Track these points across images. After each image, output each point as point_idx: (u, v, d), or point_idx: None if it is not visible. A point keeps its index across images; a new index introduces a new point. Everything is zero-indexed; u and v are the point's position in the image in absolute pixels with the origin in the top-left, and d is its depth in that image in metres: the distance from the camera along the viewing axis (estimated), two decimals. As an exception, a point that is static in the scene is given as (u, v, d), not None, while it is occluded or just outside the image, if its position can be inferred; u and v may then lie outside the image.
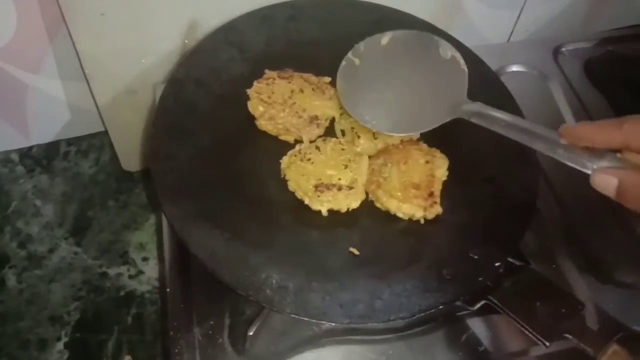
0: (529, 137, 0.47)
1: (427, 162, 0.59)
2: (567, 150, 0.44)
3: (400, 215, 0.58)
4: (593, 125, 0.42)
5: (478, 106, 0.54)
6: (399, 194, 0.57)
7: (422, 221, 0.58)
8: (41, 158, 0.86)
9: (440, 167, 0.60)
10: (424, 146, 0.62)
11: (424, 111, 0.58)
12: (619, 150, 0.42)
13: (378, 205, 0.59)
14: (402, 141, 0.62)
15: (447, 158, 0.61)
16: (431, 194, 0.58)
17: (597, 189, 0.42)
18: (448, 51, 0.60)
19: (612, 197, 0.41)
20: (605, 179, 0.41)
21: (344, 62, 0.63)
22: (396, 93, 0.61)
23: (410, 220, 0.58)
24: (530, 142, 0.47)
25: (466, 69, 0.59)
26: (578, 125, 0.43)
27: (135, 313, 0.74)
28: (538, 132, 0.47)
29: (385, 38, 0.63)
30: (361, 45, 0.64)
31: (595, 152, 0.42)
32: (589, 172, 0.42)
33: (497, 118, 0.51)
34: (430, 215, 0.58)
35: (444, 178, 0.60)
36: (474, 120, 0.53)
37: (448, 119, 0.56)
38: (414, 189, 0.58)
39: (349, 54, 0.63)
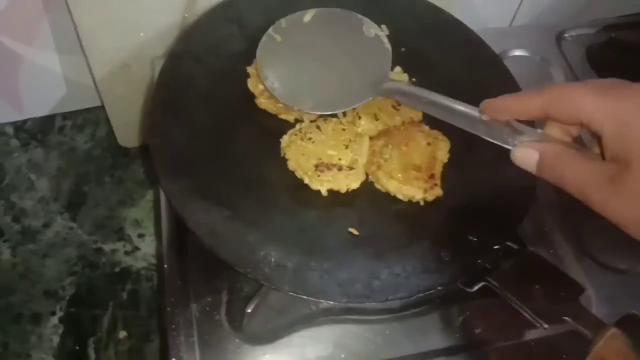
0: (450, 114, 0.47)
1: (428, 144, 0.59)
2: (488, 126, 0.44)
3: (400, 196, 0.58)
4: (512, 96, 0.42)
5: (398, 84, 0.55)
6: (399, 175, 0.57)
7: (422, 203, 0.58)
8: (36, 132, 0.85)
9: (442, 150, 0.59)
10: (426, 128, 0.61)
11: (347, 89, 0.58)
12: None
13: (378, 186, 0.59)
14: (403, 123, 0.62)
15: (448, 140, 0.60)
16: (432, 176, 0.57)
17: (518, 164, 0.41)
18: (372, 30, 0.61)
19: (533, 173, 0.41)
20: (526, 153, 0.40)
21: (264, 38, 0.62)
22: (318, 71, 0.60)
23: (409, 202, 0.58)
24: (452, 120, 0.47)
25: (390, 48, 0.59)
26: (498, 98, 0.43)
27: (130, 289, 0.74)
28: (458, 108, 0.47)
29: (308, 15, 0.63)
30: (282, 22, 0.63)
31: (516, 129, 0.42)
32: (510, 147, 0.42)
33: (418, 95, 0.51)
34: (431, 197, 0.57)
35: (445, 160, 0.59)
36: (397, 98, 0.55)
37: (370, 98, 0.57)
38: (414, 170, 0.57)
39: (270, 30, 0.63)
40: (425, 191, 0.57)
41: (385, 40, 0.60)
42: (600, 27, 0.83)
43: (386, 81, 0.56)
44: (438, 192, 0.58)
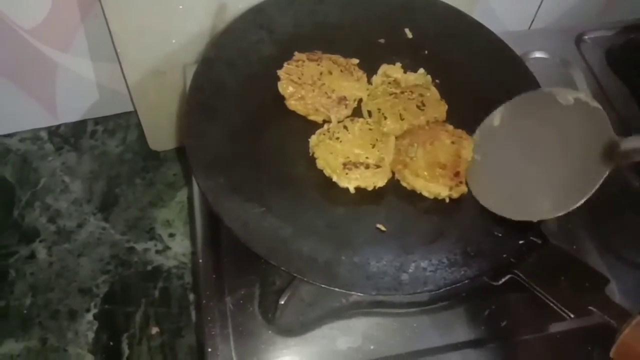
0: None
1: (453, 142, 0.61)
2: None
3: (426, 194, 0.60)
4: None
5: (635, 142, 0.48)
6: (426, 173, 0.59)
7: (448, 200, 0.59)
8: (69, 136, 0.88)
9: (466, 148, 0.61)
10: (450, 127, 0.63)
11: (574, 176, 0.53)
12: None
13: (404, 184, 0.61)
14: (428, 122, 0.64)
15: (472, 139, 0.62)
16: (457, 174, 0.59)
17: None
18: (568, 96, 0.55)
19: None
20: None
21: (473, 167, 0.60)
22: (539, 174, 0.56)
23: (435, 198, 0.60)
24: None
25: (599, 105, 0.52)
26: None
27: (162, 287, 0.77)
28: None
29: (497, 118, 0.60)
30: (476, 138, 0.61)
31: None
32: None
33: None
34: (456, 194, 0.59)
35: (469, 159, 0.61)
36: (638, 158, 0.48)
37: (607, 171, 0.50)
38: (440, 168, 0.59)
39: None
40: (451, 188, 0.59)
41: (589, 99, 0.53)
42: (619, 29, 0.84)
43: (617, 145, 0.49)
44: (463, 189, 0.59)
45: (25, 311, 0.74)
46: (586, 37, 0.84)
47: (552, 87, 0.57)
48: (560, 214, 0.53)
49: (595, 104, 0.53)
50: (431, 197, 0.60)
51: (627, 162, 0.49)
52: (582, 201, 0.52)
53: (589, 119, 0.53)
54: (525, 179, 0.57)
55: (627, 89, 0.78)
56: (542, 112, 0.57)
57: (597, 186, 0.51)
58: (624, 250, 0.64)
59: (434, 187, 0.59)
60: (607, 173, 0.50)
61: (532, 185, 0.56)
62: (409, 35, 0.71)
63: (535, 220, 0.54)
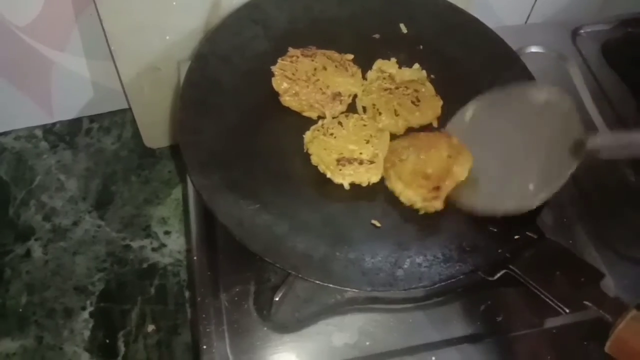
0: None
1: (449, 156, 0.58)
2: None
3: (402, 199, 0.58)
4: None
5: (601, 139, 0.50)
6: (408, 178, 0.58)
7: (421, 212, 0.57)
8: (64, 134, 0.88)
9: (461, 165, 0.58)
10: (455, 140, 0.60)
11: (544, 171, 0.54)
12: None
13: (387, 184, 0.59)
14: (432, 128, 0.63)
15: (471, 158, 0.59)
16: (437, 188, 0.57)
17: None
18: (540, 93, 0.57)
19: None
20: None
21: None
22: (506, 168, 0.57)
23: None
24: None
25: (570, 102, 0.54)
26: None
27: (158, 284, 0.77)
28: None
29: (468, 113, 0.60)
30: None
31: None
32: None
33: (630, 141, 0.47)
34: (429, 208, 0.57)
35: (462, 178, 0.58)
36: (605, 155, 0.50)
37: (574, 166, 0.52)
38: (423, 178, 0.57)
39: None
40: (425, 200, 0.57)
41: (560, 95, 0.55)
42: (616, 23, 0.84)
43: (583, 143, 0.51)
44: (437, 205, 0.57)
45: (21, 310, 0.74)
46: (582, 31, 0.84)
47: (524, 84, 0.58)
48: (527, 209, 0.54)
49: (568, 101, 0.54)
50: (407, 204, 0.58)
51: (594, 156, 0.51)
52: (550, 195, 0.53)
53: (560, 114, 0.54)
54: (495, 175, 0.57)
55: (623, 84, 0.78)
56: (514, 108, 0.58)
57: (564, 180, 0.52)
58: (620, 245, 0.64)
59: (410, 194, 0.57)
60: (575, 167, 0.52)
61: (501, 180, 0.57)
62: (404, 30, 0.71)
63: (499, 214, 0.54)
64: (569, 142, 0.53)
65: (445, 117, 0.64)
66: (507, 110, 0.59)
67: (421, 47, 0.69)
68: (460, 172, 0.58)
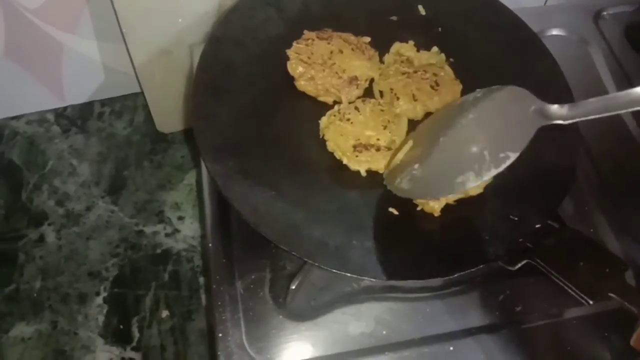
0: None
1: None
2: None
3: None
4: None
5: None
6: None
7: (419, 207, 0.55)
8: (76, 118, 0.87)
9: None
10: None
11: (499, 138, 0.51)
12: None
13: None
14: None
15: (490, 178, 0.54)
16: None
17: None
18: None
19: None
20: None
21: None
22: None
23: None
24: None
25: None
26: None
27: (171, 270, 0.76)
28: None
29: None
30: None
31: None
32: None
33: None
34: (426, 206, 0.55)
35: (472, 193, 0.56)
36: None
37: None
38: None
39: None
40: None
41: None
42: (639, 5, 0.81)
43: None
44: (433, 206, 0.55)
45: (35, 294, 0.74)
46: (605, 13, 0.81)
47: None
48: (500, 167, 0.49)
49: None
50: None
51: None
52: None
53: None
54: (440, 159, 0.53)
55: (647, 67, 0.75)
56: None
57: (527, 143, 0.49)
58: (641, 234, 0.62)
59: None
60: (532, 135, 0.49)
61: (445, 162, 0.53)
62: (422, 12, 0.69)
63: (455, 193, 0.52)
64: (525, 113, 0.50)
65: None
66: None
67: (440, 29, 0.67)
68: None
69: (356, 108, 0.60)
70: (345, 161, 0.58)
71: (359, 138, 0.58)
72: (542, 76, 0.64)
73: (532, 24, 0.68)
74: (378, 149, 0.58)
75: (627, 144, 0.70)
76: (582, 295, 0.49)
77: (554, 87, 0.63)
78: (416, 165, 0.53)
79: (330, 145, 0.59)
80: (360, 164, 0.58)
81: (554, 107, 0.48)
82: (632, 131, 0.70)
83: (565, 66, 0.65)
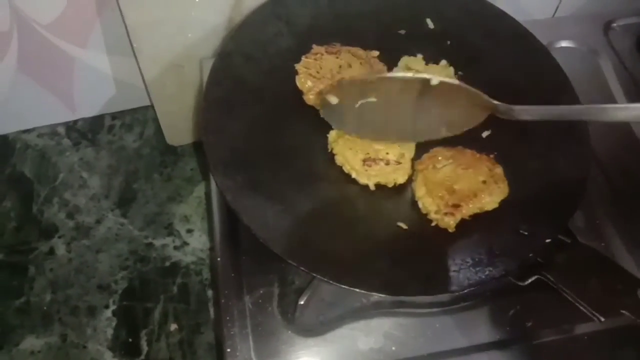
0: None
1: (484, 181, 0.56)
2: None
3: (419, 205, 0.57)
4: None
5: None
6: (433, 186, 0.56)
7: (433, 223, 0.56)
8: (86, 131, 0.88)
9: (491, 194, 0.56)
10: (498, 169, 0.58)
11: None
12: None
13: (413, 185, 0.58)
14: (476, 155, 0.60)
15: (507, 192, 0.57)
16: (455, 206, 0.55)
17: None
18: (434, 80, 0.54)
19: None
20: None
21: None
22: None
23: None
24: None
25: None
26: None
27: (180, 283, 0.76)
28: None
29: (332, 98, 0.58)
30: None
31: None
32: None
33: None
34: (442, 222, 0.55)
35: (488, 208, 0.56)
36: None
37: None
38: (447, 191, 0.56)
39: None
40: (438, 212, 0.55)
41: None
42: (650, 16, 0.81)
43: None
44: (448, 222, 0.55)
45: (45, 307, 0.74)
46: (615, 24, 0.81)
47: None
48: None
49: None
50: (423, 211, 0.56)
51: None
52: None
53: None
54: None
55: (658, 79, 0.75)
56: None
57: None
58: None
59: (428, 201, 0.56)
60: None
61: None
62: (431, 25, 0.69)
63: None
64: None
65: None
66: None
67: (448, 42, 0.67)
68: (489, 201, 0.56)
69: (365, 122, 0.60)
70: (354, 175, 0.58)
71: (368, 152, 0.58)
72: (551, 89, 0.64)
73: (541, 35, 0.68)
74: (387, 163, 0.58)
75: (638, 157, 0.69)
76: (593, 312, 0.48)
77: (563, 100, 0.63)
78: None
79: (339, 159, 0.59)
80: (369, 178, 0.58)
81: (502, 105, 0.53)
82: (643, 144, 0.69)
83: (575, 77, 0.65)
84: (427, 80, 0.54)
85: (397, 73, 0.56)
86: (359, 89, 0.57)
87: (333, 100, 0.57)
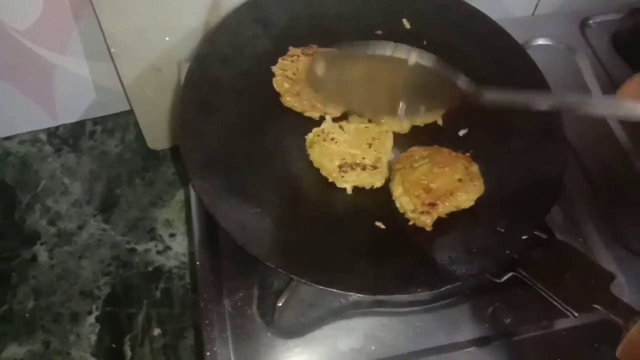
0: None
1: (460, 179, 0.56)
2: None
3: (397, 204, 0.57)
4: None
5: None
6: (409, 185, 0.56)
7: (410, 222, 0.56)
8: (68, 137, 0.87)
9: (467, 192, 0.56)
10: (475, 168, 0.58)
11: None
12: None
13: (390, 185, 0.58)
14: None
15: (482, 189, 0.57)
16: (432, 204, 0.55)
17: None
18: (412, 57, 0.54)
19: None
20: None
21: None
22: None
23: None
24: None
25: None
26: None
27: (163, 287, 0.76)
28: None
29: (320, 67, 0.57)
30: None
31: None
32: None
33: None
34: (418, 221, 0.55)
35: (465, 205, 0.56)
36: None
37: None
38: (423, 190, 0.56)
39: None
40: (415, 211, 0.55)
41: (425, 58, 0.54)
42: (625, 12, 0.81)
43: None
44: (425, 221, 0.55)
45: (27, 315, 0.74)
46: (591, 21, 0.81)
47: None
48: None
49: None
50: (400, 210, 0.57)
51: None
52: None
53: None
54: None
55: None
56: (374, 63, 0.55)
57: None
58: (634, 243, 0.62)
59: (405, 201, 0.56)
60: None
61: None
62: (407, 25, 0.69)
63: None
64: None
65: (450, 115, 0.62)
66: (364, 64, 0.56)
67: (425, 42, 0.67)
68: (465, 199, 0.56)
69: (341, 127, 0.60)
70: (330, 179, 0.58)
71: (344, 157, 0.58)
72: (527, 86, 0.64)
73: (520, 33, 0.69)
74: (364, 168, 0.58)
75: (615, 152, 0.70)
76: (567, 307, 0.49)
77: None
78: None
79: (316, 163, 0.59)
80: (346, 182, 0.58)
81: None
82: (620, 140, 0.70)
83: (552, 74, 0.65)
84: (405, 61, 0.53)
85: (377, 49, 0.53)
86: (342, 63, 0.56)
87: (319, 70, 0.56)
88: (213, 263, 0.58)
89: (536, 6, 0.89)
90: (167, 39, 0.72)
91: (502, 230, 0.55)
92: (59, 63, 0.78)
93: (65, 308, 0.75)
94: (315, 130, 0.60)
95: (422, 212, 0.55)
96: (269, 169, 0.59)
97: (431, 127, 0.62)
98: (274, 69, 0.63)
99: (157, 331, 0.73)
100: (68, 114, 0.87)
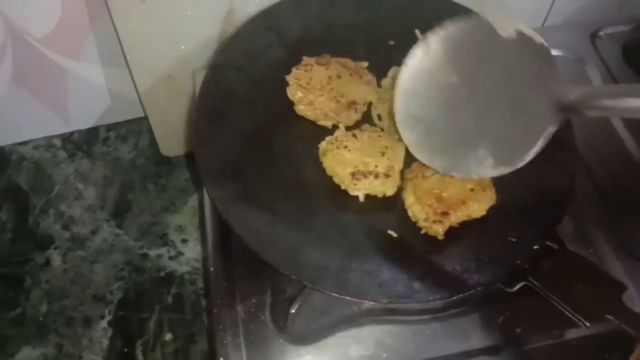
0: None
1: (472, 189, 0.56)
2: None
3: (409, 213, 0.57)
4: None
5: (586, 88, 0.41)
6: (421, 194, 0.57)
7: (422, 231, 0.56)
8: (82, 143, 0.89)
9: (479, 202, 0.56)
10: (487, 178, 0.57)
11: (518, 127, 0.46)
12: None
13: (402, 193, 0.59)
14: None
15: (494, 199, 0.57)
16: (444, 214, 0.55)
17: None
18: (509, 27, 0.46)
19: None
20: None
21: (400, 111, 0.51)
22: (475, 121, 0.48)
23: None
24: None
25: (544, 42, 0.44)
26: None
27: (175, 293, 0.77)
28: None
29: (432, 44, 0.50)
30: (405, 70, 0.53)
31: None
32: None
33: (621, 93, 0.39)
34: (430, 230, 0.56)
35: (477, 215, 0.57)
36: (590, 111, 0.40)
37: (552, 125, 0.43)
38: (435, 199, 0.56)
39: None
40: (427, 220, 0.56)
41: (533, 33, 0.45)
42: (636, 24, 0.82)
43: (565, 94, 0.42)
44: (437, 230, 0.55)
45: (40, 318, 0.75)
46: (602, 32, 0.82)
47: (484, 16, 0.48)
48: (502, 172, 0.48)
49: (539, 39, 0.44)
50: (412, 219, 0.57)
51: (576, 114, 0.42)
52: (527, 160, 0.45)
53: (534, 60, 0.46)
54: (461, 128, 0.48)
55: (645, 86, 0.76)
56: (481, 48, 0.48)
57: (541, 142, 0.44)
58: (642, 253, 0.62)
59: (417, 209, 0.56)
60: (554, 128, 0.43)
61: (469, 134, 0.48)
62: (420, 36, 0.70)
63: (474, 176, 0.49)
64: (546, 95, 0.44)
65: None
66: (472, 50, 0.48)
67: (437, 53, 0.68)
68: (477, 209, 0.56)
69: (354, 135, 0.61)
70: (343, 187, 0.59)
71: (357, 165, 0.58)
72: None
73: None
74: (376, 176, 0.58)
75: (626, 163, 0.70)
76: (579, 317, 0.49)
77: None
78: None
79: (329, 171, 0.60)
80: (358, 190, 0.58)
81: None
82: (630, 149, 0.70)
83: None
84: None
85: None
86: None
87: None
88: (226, 269, 0.59)
89: (546, 17, 0.90)
90: (182, 47, 0.74)
91: (514, 240, 0.55)
92: (73, 70, 0.80)
93: (77, 312, 0.76)
94: (328, 138, 0.61)
95: (434, 221, 0.55)
96: (282, 177, 0.59)
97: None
98: (288, 78, 0.63)
99: (168, 336, 0.74)
100: (82, 120, 0.88)
